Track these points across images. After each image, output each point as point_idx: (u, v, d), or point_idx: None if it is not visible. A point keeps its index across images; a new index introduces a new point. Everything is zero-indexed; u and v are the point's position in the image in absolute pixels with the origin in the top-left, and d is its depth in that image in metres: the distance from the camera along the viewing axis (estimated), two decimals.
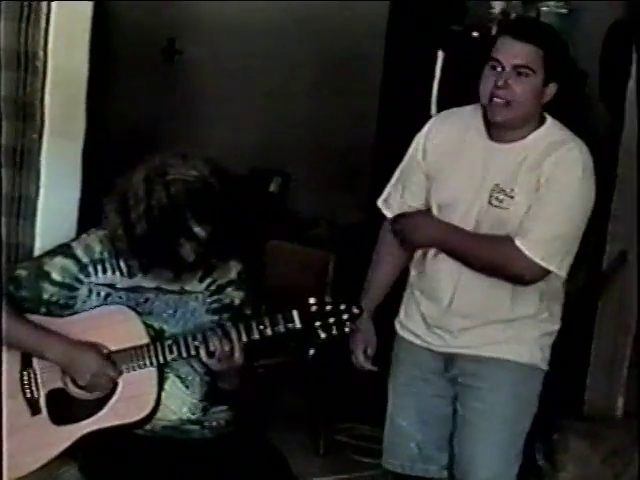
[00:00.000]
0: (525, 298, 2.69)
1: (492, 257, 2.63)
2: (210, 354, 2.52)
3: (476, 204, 2.65)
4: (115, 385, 2.58)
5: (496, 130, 2.66)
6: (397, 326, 2.89)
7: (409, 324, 2.83)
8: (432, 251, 2.75)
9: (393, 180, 2.93)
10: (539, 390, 2.78)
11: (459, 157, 2.71)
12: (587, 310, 3.90)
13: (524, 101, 2.60)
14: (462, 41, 4.77)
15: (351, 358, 2.91)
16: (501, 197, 2.62)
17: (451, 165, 2.73)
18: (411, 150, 2.86)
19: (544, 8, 4.63)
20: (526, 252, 2.57)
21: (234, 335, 2.52)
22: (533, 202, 2.59)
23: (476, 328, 2.70)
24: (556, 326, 2.78)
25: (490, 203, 2.63)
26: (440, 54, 4.88)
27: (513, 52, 2.59)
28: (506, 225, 2.62)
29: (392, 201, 2.89)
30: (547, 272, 2.61)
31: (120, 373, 2.56)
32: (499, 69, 2.60)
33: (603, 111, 4.50)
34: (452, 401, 2.79)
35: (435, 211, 2.75)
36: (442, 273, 2.72)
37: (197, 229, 2.54)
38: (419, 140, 2.82)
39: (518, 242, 2.58)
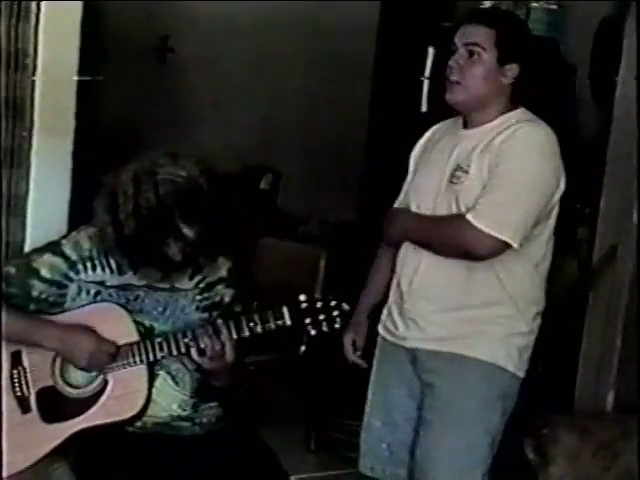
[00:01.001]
0: (481, 281, 2.63)
1: (446, 234, 2.62)
2: (201, 352, 2.53)
3: (441, 186, 2.67)
4: (105, 383, 2.58)
5: (466, 117, 2.69)
6: (379, 326, 2.87)
7: (385, 320, 2.83)
8: (402, 248, 2.77)
9: (401, 194, 2.91)
10: (505, 392, 2.69)
11: (434, 152, 2.77)
12: (577, 305, 3.92)
13: (476, 80, 2.62)
14: (453, 37, 4.77)
15: (343, 351, 2.92)
16: (459, 174, 2.63)
17: (426, 161, 2.79)
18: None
19: (534, 4, 4.65)
20: (475, 223, 2.55)
21: (224, 333, 2.52)
22: (485, 179, 2.61)
23: (436, 318, 2.66)
24: (526, 327, 2.69)
25: (450, 182, 2.65)
26: (431, 51, 4.90)
27: (465, 33, 2.65)
28: (461, 199, 2.62)
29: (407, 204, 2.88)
30: (502, 244, 2.56)
31: (117, 348, 2.56)
32: (458, 51, 2.65)
33: (592, 106, 4.51)
34: (420, 402, 2.74)
35: (413, 206, 2.77)
36: (407, 260, 2.74)
37: (185, 229, 2.55)
38: (412, 153, 2.90)
39: (468, 216, 2.57)
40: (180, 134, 5.12)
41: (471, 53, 2.63)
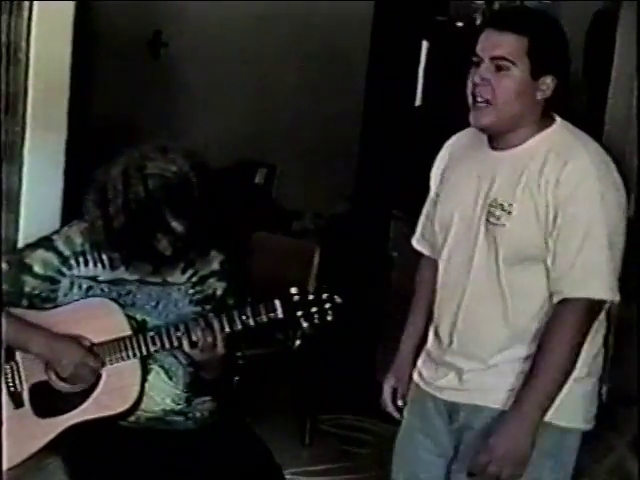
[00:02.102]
0: (524, 330, 2.31)
1: (576, 335, 2.25)
2: (192, 344, 2.53)
3: (474, 222, 2.35)
4: (98, 377, 2.58)
5: (494, 136, 2.35)
6: (414, 372, 2.54)
7: (422, 369, 2.50)
8: (439, 289, 2.45)
9: (422, 215, 2.58)
10: (553, 448, 2.33)
11: (458, 173, 2.43)
12: None
13: (507, 99, 2.26)
14: (446, 31, 4.77)
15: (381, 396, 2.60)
16: (498, 213, 2.30)
17: (449, 183, 2.45)
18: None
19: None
20: (586, 295, 2.24)
21: (216, 325, 2.52)
22: (555, 226, 2.25)
23: (479, 372, 2.34)
24: (581, 372, 2.30)
25: (488, 220, 2.31)
26: (425, 44, 4.89)
27: (491, 43, 2.27)
28: (501, 245, 2.30)
29: (427, 235, 2.55)
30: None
31: (102, 364, 2.57)
32: (480, 65, 2.28)
33: (586, 99, 4.51)
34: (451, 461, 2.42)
35: (438, 239, 2.45)
36: (444, 306, 2.42)
37: (174, 224, 2.55)
38: (432, 170, 2.54)
39: (576, 294, 2.23)
40: (174, 128, 5.13)
41: (499, 67, 2.25)
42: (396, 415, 2.57)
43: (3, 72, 3.17)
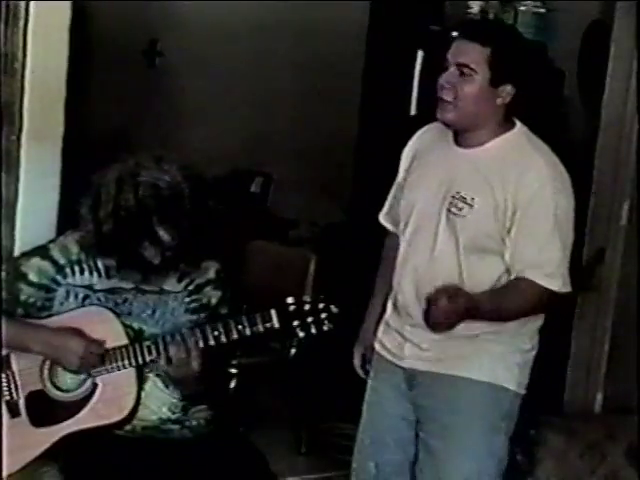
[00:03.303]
0: None
1: (522, 306, 2.55)
2: (168, 360, 2.52)
3: (435, 211, 2.59)
4: (95, 386, 2.58)
5: (459, 135, 2.61)
6: (375, 342, 2.79)
7: (382, 337, 2.76)
8: (398, 266, 2.69)
9: (390, 194, 2.85)
10: (508, 411, 2.64)
11: (424, 164, 2.69)
12: (566, 307, 3.93)
13: (468, 101, 2.52)
14: (441, 41, 4.77)
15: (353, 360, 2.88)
16: (460, 205, 2.55)
17: (417, 173, 2.70)
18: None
19: (522, 8, 4.66)
20: (548, 286, 2.52)
21: (190, 342, 2.51)
22: (514, 225, 2.51)
23: (438, 343, 2.58)
24: (527, 344, 2.64)
25: (449, 210, 2.56)
26: (420, 54, 4.90)
27: (457, 50, 2.54)
28: (461, 233, 2.55)
29: (393, 214, 2.82)
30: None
31: (106, 350, 2.56)
32: (450, 69, 2.55)
33: (580, 109, 4.53)
34: (415, 425, 2.69)
35: (402, 218, 2.71)
36: (405, 285, 2.65)
37: (162, 233, 2.56)
38: (402, 155, 2.81)
39: (539, 281, 2.51)
40: (169, 137, 5.13)
41: (462, 73, 2.52)
42: (364, 376, 2.84)
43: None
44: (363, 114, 5.67)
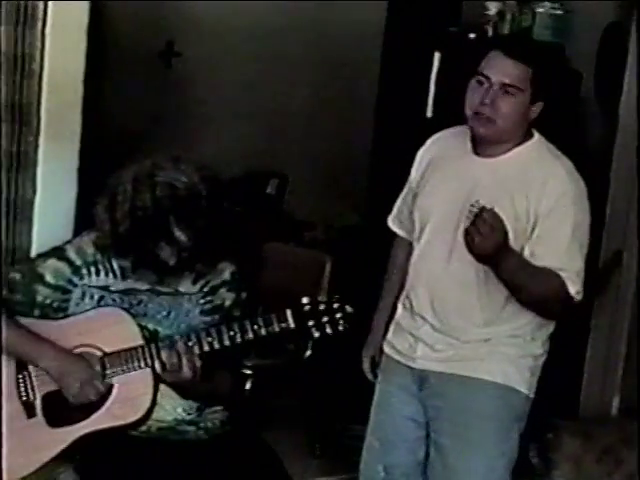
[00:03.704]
0: (494, 305, 2.62)
1: (542, 292, 2.56)
2: (162, 366, 2.52)
3: (454, 218, 2.61)
4: (110, 387, 2.59)
5: (480, 144, 2.63)
6: (384, 343, 2.82)
7: (392, 338, 2.78)
8: (411, 271, 2.72)
9: (400, 198, 2.89)
10: (519, 413, 2.69)
11: (441, 172, 2.70)
12: (583, 309, 3.91)
13: (508, 119, 2.56)
14: (458, 42, 4.77)
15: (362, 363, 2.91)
16: None
17: (433, 180, 2.71)
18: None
19: (540, 9, 4.63)
20: (571, 291, 2.56)
21: (181, 348, 2.50)
22: (535, 232, 2.55)
23: (453, 345, 2.63)
24: (538, 349, 2.68)
25: (468, 218, 2.53)
26: (437, 55, 4.89)
27: (502, 70, 2.55)
28: None
29: (403, 218, 2.86)
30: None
31: (110, 387, 2.56)
32: (486, 85, 2.56)
33: (597, 111, 4.51)
34: (424, 426, 2.71)
35: (417, 225, 2.72)
36: (420, 291, 2.68)
37: (178, 234, 2.55)
38: (415, 160, 2.83)
39: (566, 280, 2.54)
40: (186, 138, 5.14)
41: (507, 92, 2.55)
42: (373, 380, 2.86)
43: (17, 83, 3.18)
44: (379, 116, 5.66)
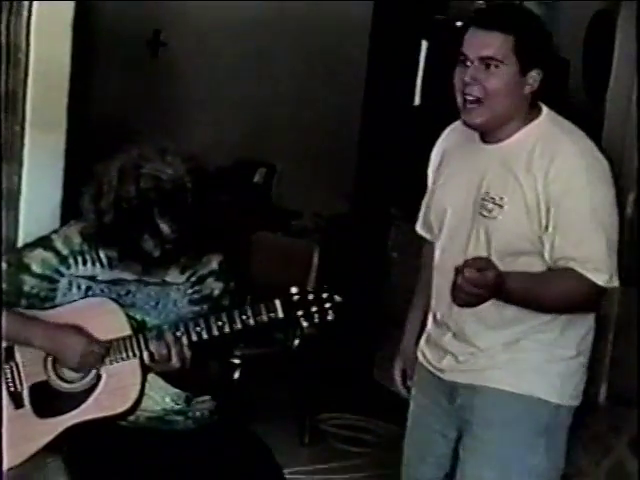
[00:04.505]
0: (518, 310, 2.38)
1: (566, 296, 2.33)
2: (151, 357, 2.51)
3: (467, 214, 2.42)
4: (99, 377, 2.58)
5: (484, 131, 2.42)
6: (418, 352, 2.63)
7: (424, 348, 2.60)
8: (435, 274, 2.52)
9: (423, 202, 2.64)
10: (548, 426, 2.42)
11: (453, 165, 2.52)
12: None
13: (497, 96, 2.32)
14: (446, 30, 4.77)
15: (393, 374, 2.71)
16: (490, 206, 2.37)
17: (445, 174, 2.53)
18: None
19: None
20: (593, 279, 2.29)
21: (170, 338, 2.49)
22: (550, 221, 2.32)
23: (474, 354, 2.44)
24: (571, 351, 2.41)
25: (480, 213, 2.38)
26: (424, 44, 4.89)
27: (478, 43, 2.31)
28: (493, 236, 2.37)
29: (428, 221, 2.61)
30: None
31: (107, 349, 2.56)
32: (468, 63, 2.33)
33: (585, 99, 4.52)
34: (454, 441, 2.52)
35: (435, 224, 2.54)
36: (442, 291, 2.45)
37: (162, 226, 2.54)
38: (430, 161, 2.63)
39: (585, 273, 2.29)
40: (173, 127, 5.12)
41: (488, 66, 2.31)
42: (405, 395, 2.67)
43: (3, 72, 3.17)
44: (367, 104, 5.67)
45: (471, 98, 2.34)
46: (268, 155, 5.60)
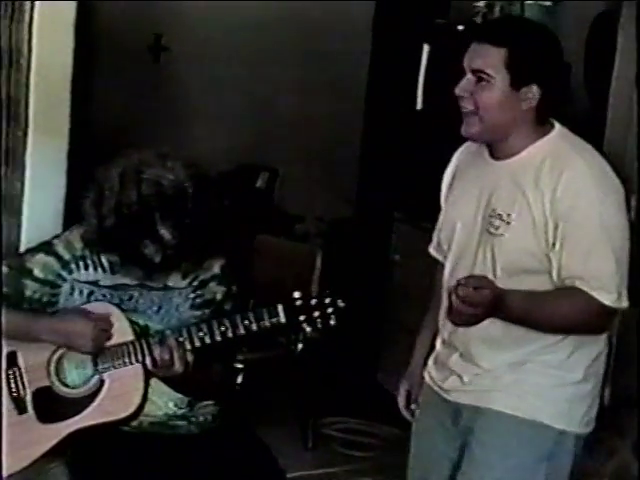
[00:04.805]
0: (525, 333, 2.33)
1: (570, 315, 2.28)
2: (154, 361, 2.51)
3: (475, 231, 2.39)
4: (102, 383, 2.58)
5: (492, 146, 2.39)
6: (425, 372, 2.59)
7: (432, 369, 2.55)
8: (444, 294, 2.45)
9: (438, 224, 2.58)
10: (550, 452, 2.35)
11: (464, 182, 2.48)
12: None
13: (489, 110, 2.30)
14: (447, 34, 4.77)
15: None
16: (497, 223, 2.33)
17: (456, 191, 2.50)
18: None
19: (528, 1, 4.63)
20: (600, 299, 2.24)
21: (172, 342, 2.49)
22: (558, 239, 2.27)
23: (478, 375, 2.39)
24: (579, 375, 2.34)
25: (488, 230, 2.34)
26: (425, 48, 4.89)
27: (472, 56, 2.31)
28: (498, 254, 2.33)
29: (441, 244, 2.57)
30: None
31: (110, 323, 2.57)
32: (466, 76, 2.33)
33: (587, 103, 4.51)
34: (457, 463, 2.46)
35: (444, 242, 2.51)
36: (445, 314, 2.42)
37: (163, 232, 2.54)
38: (443, 180, 2.59)
39: (591, 292, 2.24)
40: (175, 132, 5.13)
41: (480, 79, 2.29)
42: (409, 418, 2.62)
43: (4, 77, 3.17)
44: (369, 108, 5.67)
45: (465, 110, 2.33)
46: (270, 159, 5.60)
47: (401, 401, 2.64)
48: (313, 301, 2.51)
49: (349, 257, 4.79)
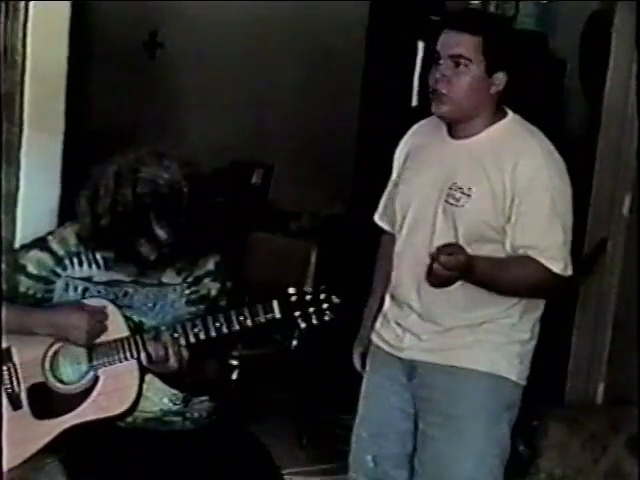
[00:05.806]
0: (482, 294, 2.57)
1: (523, 282, 2.55)
2: (149, 358, 2.52)
3: (433, 203, 2.60)
4: (96, 379, 2.58)
5: (453, 126, 2.61)
6: (372, 334, 2.80)
7: (380, 329, 2.77)
8: (396, 259, 2.70)
9: (385, 194, 2.86)
10: (509, 402, 2.65)
11: (419, 160, 2.69)
12: (568, 297, 3.93)
13: (463, 93, 2.52)
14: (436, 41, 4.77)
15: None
16: (458, 195, 2.55)
17: (412, 168, 2.70)
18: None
19: None
20: (550, 266, 2.51)
21: (168, 340, 2.50)
22: (513, 212, 2.52)
23: (438, 333, 2.61)
24: (527, 334, 2.64)
25: (447, 202, 2.56)
26: (420, 44, 4.89)
27: (448, 42, 2.52)
28: (459, 223, 2.55)
29: (389, 213, 2.82)
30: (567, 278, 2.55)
31: (105, 316, 2.57)
32: (440, 62, 2.53)
33: (582, 100, 4.52)
34: (413, 417, 2.69)
35: (398, 214, 2.71)
36: (405, 279, 2.67)
37: (158, 231, 2.54)
38: (395, 154, 2.82)
39: (541, 259, 2.51)
40: (170, 129, 5.13)
41: (457, 64, 2.51)
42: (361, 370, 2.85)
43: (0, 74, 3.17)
44: (364, 105, 5.67)
45: (441, 91, 2.54)
46: (266, 156, 5.61)
47: (357, 363, 2.86)
48: (308, 297, 2.52)
49: (344, 253, 4.78)
